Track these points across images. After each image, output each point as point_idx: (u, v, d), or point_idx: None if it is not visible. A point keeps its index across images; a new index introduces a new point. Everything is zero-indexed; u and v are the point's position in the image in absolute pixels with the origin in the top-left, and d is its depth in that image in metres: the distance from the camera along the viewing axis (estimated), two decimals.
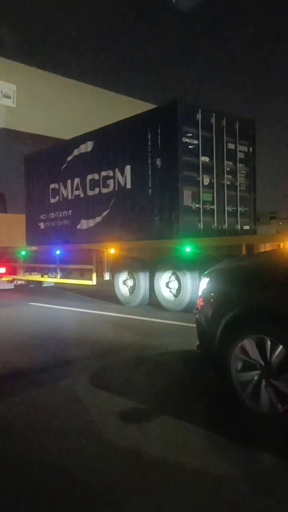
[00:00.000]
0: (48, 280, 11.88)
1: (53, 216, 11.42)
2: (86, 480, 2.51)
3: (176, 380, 4.30)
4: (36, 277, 12.18)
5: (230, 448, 2.89)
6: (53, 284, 13.32)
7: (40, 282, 13.07)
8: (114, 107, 15.72)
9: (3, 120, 14.20)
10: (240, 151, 9.20)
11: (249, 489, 2.43)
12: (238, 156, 9.17)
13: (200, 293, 3.99)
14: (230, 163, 9.05)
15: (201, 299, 3.85)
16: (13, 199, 15.99)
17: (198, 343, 3.83)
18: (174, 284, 8.34)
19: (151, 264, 8.88)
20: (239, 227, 9.21)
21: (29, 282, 13.25)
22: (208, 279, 3.94)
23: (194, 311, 3.91)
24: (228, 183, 9.02)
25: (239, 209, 9.22)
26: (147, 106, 11.66)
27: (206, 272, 5.47)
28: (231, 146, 9.07)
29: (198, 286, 7.85)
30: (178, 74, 17.02)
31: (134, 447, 2.87)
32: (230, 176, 9.05)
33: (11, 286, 13.64)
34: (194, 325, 3.89)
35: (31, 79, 15.53)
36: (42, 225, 11.86)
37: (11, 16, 12.83)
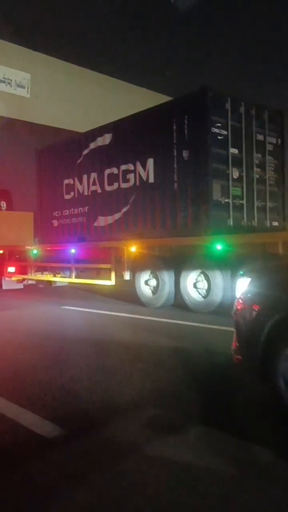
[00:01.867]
0: (63, 280, 11.36)
1: (67, 213, 10.90)
2: None
3: (215, 386, 3.93)
4: (50, 276, 11.65)
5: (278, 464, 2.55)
6: (66, 284, 12.82)
7: (50, 282, 12.57)
8: (133, 99, 15.15)
9: (16, 111, 13.63)
10: (269, 142, 8.70)
11: None
12: (267, 148, 8.66)
13: (238, 294, 3.67)
14: (259, 155, 8.54)
15: (240, 301, 3.52)
16: (19, 196, 15.50)
17: (236, 347, 3.48)
18: (202, 284, 7.82)
19: (176, 262, 8.36)
20: (268, 224, 8.70)
21: (38, 282, 12.76)
22: (249, 279, 3.59)
23: (232, 313, 3.57)
24: (257, 176, 8.51)
25: (268, 204, 8.71)
26: (166, 99, 11.10)
27: (242, 272, 4.99)
28: (260, 137, 8.56)
29: (230, 286, 7.44)
30: (199, 67, 16.38)
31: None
32: (259, 169, 8.55)
33: (21, 286, 13.16)
34: (226, 328, 3.71)
35: (46, 68, 14.96)
36: (55, 223, 11.33)
37: (26, 1, 12.20)
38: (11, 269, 12.83)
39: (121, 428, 3.04)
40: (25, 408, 3.37)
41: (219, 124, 7.85)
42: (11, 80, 13.79)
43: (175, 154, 8.19)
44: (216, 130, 7.81)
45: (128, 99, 15.26)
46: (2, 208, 15.16)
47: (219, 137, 7.85)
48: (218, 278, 7.56)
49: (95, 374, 4.28)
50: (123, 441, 2.85)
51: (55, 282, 12.27)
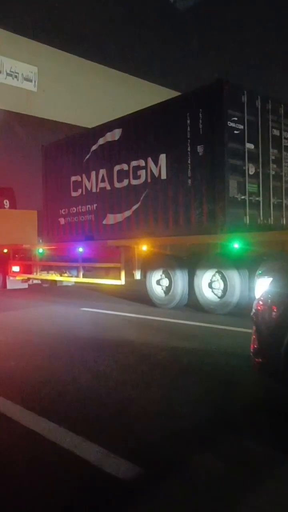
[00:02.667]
0: (71, 279, 11.10)
1: (74, 211, 10.60)
2: None
3: (235, 390, 3.77)
4: (57, 276, 11.39)
5: None
6: (71, 284, 12.61)
7: (55, 282, 12.32)
8: (142, 94, 14.75)
9: (23, 105, 13.20)
10: (285, 138, 8.40)
11: None
12: (283, 143, 8.37)
13: (258, 295, 3.54)
14: (275, 151, 8.24)
15: (261, 302, 3.36)
16: (23, 194, 15.27)
17: (255, 350, 3.30)
18: (218, 284, 7.55)
19: (190, 262, 8.11)
20: (284, 222, 8.41)
21: (43, 281, 12.51)
22: (270, 278, 3.45)
23: (251, 314, 3.40)
24: (273, 173, 8.20)
25: (284, 201, 8.42)
26: (175, 95, 10.81)
27: (260, 271, 4.78)
28: (276, 132, 8.27)
29: (248, 286, 7.17)
30: (208, 61, 15.93)
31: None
32: (275, 165, 8.24)
33: (25, 285, 12.93)
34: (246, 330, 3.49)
35: (54, 61, 14.49)
36: (62, 221, 11.03)
37: None
38: (16, 268, 12.58)
39: (199, 462, 2.55)
40: (81, 436, 2.80)
41: (235, 118, 7.55)
42: (17, 73, 13.33)
43: (189, 149, 7.90)
44: (232, 124, 7.52)
45: (137, 94, 14.88)
46: (5, 206, 14.96)
47: (235, 132, 7.56)
48: (235, 277, 7.29)
49: (150, 391, 3.80)
50: (211, 479, 2.36)
51: (61, 281, 12.04)
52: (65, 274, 11.40)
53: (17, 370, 4.44)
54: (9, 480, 2.40)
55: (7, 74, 13.17)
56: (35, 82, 13.70)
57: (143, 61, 14.89)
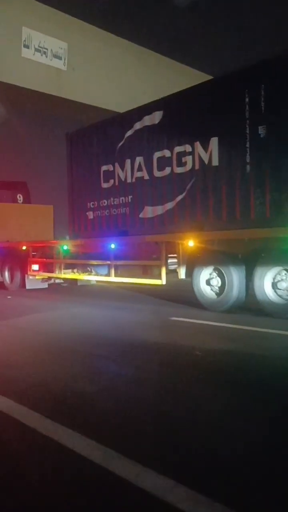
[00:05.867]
0: (99, 278, 10.17)
1: (105, 204, 9.66)
2: None
3: None
4: (84, 275, 10.45)
5: None
6: (93, 283, 11.76)
7: (75, 281, 11.43)
8: (179, 78, 13.58)
9: (53, 85, 12.06)
10: None
11: None
12: None
13: None
14: None
15: None
16: (39, 188, 14.47)
17: None
18: (285, 284, 6.62)
19: (248, 258, 7.17)
20: None
21: (64, 280, 11.63)
22: None
23: None
24: None
25: None
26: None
27: None
28: None
29: None
30: (246, 45, 14.89)
31: None
32: None
33: (45, 285, 12.06)
34: None
35: (85, 38, 13.28)
36: (90, 215, 10.09)
37: None
38: (35, 267, 11.70)
39: None
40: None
41: None
42: (46, 49, 12.17)
43: (247, 131, 6.95)
44: None
45: (171, 78, 13.76)
46: (19, 201, 14.21)
47: None
48: None
49: None
50: None
51: (88, 281, 11.16)
52: (92, 273, 10.48)
53: None
54: None
55: (36, 50, 11.97)
56: (64, 59, 12.50)
57: (182, 43, 13.70)
